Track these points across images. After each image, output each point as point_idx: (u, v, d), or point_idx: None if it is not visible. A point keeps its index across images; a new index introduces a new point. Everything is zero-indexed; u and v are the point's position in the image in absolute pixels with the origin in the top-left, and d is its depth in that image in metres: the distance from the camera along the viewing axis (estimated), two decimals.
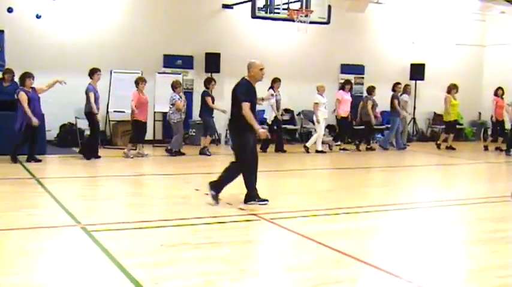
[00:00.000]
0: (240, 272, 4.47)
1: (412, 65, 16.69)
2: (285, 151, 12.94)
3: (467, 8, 17.36)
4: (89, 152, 10.92)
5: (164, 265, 4.58)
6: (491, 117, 14.78)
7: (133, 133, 11.68)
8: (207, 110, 12.10)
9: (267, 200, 6.90)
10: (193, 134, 13.72)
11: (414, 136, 16.69)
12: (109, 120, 13.34)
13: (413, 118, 16.71)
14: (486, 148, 14.83)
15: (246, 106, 6.78)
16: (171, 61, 14.02)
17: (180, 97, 11.86)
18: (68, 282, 4.20)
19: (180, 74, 13.75)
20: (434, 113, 17.00)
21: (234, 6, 14.59)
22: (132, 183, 9.03)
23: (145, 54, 13.71)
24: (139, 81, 11.53)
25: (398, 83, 14.67)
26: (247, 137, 6.85)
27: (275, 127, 12.81)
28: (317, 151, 12.96)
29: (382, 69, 16.25)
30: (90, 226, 5.69)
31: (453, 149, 14.58)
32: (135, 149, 11.59)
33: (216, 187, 6.92)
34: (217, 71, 13.98)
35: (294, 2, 12.58)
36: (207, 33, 14.41)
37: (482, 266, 4.85)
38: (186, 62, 14.18)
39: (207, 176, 9.87)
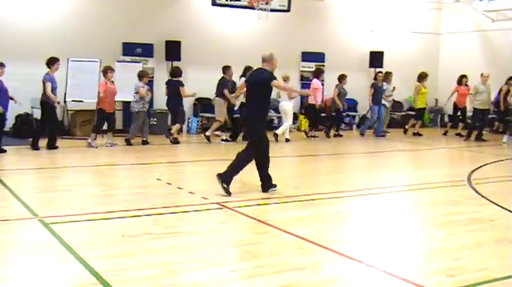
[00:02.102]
0: (202, 261, 4.46)
1: (371, 52, 16.91)
2: None
3: None
4: (36, 142, 10.55)
5: (125, 256, 4.52)
6: (454, 104, 15.12)
7: (96, 122, 11.49)
8: (180, 99, 12.09)
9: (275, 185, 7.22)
10: (155, 123, 13.56)
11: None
12: (67, 110, 13.03)
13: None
14: (445, 133, 15.42)
15: (279, 84, 7.67)
16: (130, 49, 13.76)
17: (143, 86, 11.69)
18: (26, 276, 4.10)
19: (139, 62, 13.52)
20: (393, 100, 17.23)
21: None
22: (91, 174, 8.86)
23: (104, 42, 13.41)
24: (108, 71, 11.35)
25: (380, 72, 14.96)
26: (262, 127, 7.12)
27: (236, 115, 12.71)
28: (276, 135, 12.97)
29: (342, 57, 16.39)
30: (48, 218, 5.57)
31: (420, 135, 15.10)
32: (96, 139, 11.37)
33: (226, 178, 6.82)
34: (178, 59, 13.83)
35: None
36: (167, 21, 14.21)
37: (440, 249, 4.97)
38: (146, 50, 13.94)
39: (169, 165, 9.85)
